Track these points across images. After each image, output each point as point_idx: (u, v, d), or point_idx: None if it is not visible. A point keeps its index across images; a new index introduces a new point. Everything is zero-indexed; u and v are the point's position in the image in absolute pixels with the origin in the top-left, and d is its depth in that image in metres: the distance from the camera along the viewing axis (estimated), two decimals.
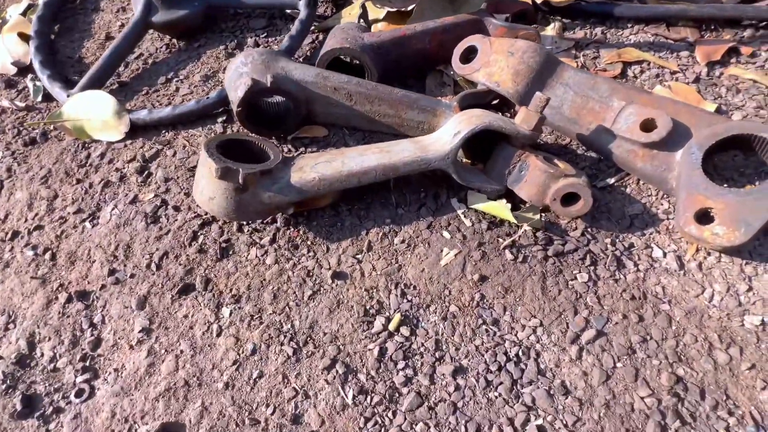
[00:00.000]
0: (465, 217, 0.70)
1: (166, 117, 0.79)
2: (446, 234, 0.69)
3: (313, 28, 0.93)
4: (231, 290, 0.66)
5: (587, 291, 0.64)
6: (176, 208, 0.74)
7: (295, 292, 0.66)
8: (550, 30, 0.89)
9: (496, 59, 0.70)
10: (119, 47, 0.86)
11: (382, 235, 0.70)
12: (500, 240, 0.68)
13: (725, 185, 0.67)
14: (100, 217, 0.74)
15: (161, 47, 0.96)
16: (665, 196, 0.70)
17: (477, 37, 0.74)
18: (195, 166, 0.78)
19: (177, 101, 0.87)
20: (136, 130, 0.82)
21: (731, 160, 0.71)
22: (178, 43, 0.96)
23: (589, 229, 0.68)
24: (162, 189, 0.76)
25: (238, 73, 0.69)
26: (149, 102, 0.87)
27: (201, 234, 0.71)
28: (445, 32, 0.79)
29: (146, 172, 0.78)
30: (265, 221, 0.71)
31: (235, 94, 0.69)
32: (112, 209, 0.74)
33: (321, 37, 0.94)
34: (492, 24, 0.81)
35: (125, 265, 0.69)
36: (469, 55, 0.77)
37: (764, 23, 0.85)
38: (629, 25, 0.89)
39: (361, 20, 0.83)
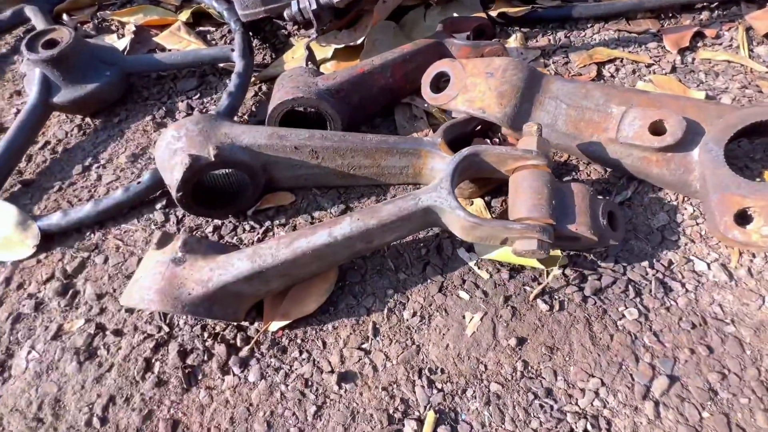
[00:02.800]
0: (479, 268, 0.59)
1: (88, 216, 0.63)
2: (464, 294, 0.57)
3: (253, 79, 0.81)
4: (209, 431, 0.50)
5: (641, 329, 0.54)
6: (118, 333, 0.57)
7: (294, 413, 0.51)
8: (513, 42, 0.83)
9: (475, 83, 0.61)
10: (14, 139, 0.70)
11: (387, 311, 0.57)
12: (527, 288, 0.57)
13: (758, 179, 0.61)
14: (12, 367, 0.55)
15: (72, 130, 0.79)
16: (686, 199, 0.63)
17: (446, 62, 0.65)
18: (134, 272, 0.62)
19: (100, 193, 0.70)
20: (50, 240, 0.65)
21: (737, 147, 0.66)
22: (92, 122, 0.80)
23: (619, 254, 0.59)
24: (95, 310, 0.59)
25: (171, 150, 0.55)
26: (64, 200, 0.70)
27: (156, 360, 0.55)
28: (406, 62, 0.70)
29: (71, 292, 0.61)
30: (238, 324, 0.56)
31: (171, 176, 0.54)
32: (29, 353, 0.56)
33: (264, 88, 0.82)
34: (454, 45, 0.73)
35: (56, 429, 0.51)
36: (439, 82, 0.68)
37: (716, 4, 0.84)
38: (589, 25, 0.85)
39: (309, 63, 0.72)
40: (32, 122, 0.71)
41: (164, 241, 0.47)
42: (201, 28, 0.93)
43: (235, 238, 0.64)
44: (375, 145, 0.59)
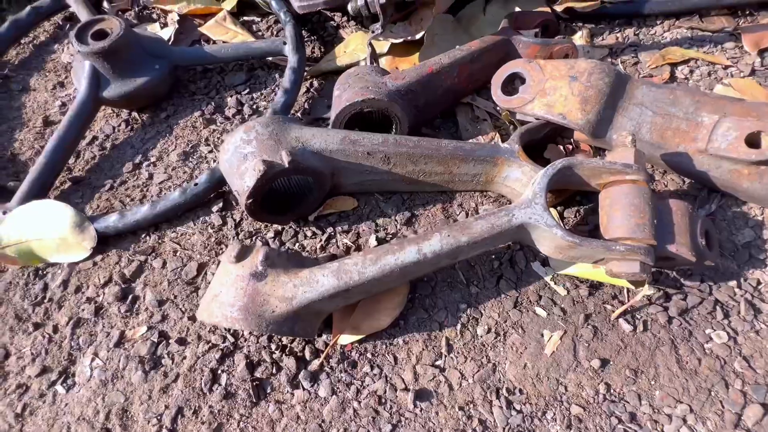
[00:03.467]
0: (556, 284, 0.56)
1: (145, 218, 0.61)
2: (540, 311, 0.55)
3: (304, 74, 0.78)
4: None
5: (731, 354, 0.51)
6: (182, 341, 0.55)
7: None
8: (579, 39, 0.78)
9: (555, 86, 0.58)
10: (65, 135, 0.67)
11: (460, 327, 0.55)
12: (608, 307, 0.55)
13: None
14: (76, 375, 0.54)
15: (119, 125, 0.77)
16: None
17: (520, 62, 0.61)
18: (194, 277, 0.60)
19: (153, 192, 0.68)
20: (105, 242, 0.63)
21: None
22: (140, 116, 0.78)
23: (705, 272, 0.56)
24: (156, 317, 0.57)
25: (241, 154, 0.52)
26: (116, 199, 0.68)
27: (222, 371, 0.53)
28: (473, 61, 0.67)
29: (130, 297, 0.59)
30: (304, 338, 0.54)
31: (242, 183, 0.52)
32: (92, 360, 0.55)
33: (316, 83, 0.79)
34: (522, 42, 0.69)
35: None
36: (508, 84, 0.64)
37: None
38: (659, 22, 0.80)
39: (372, 60, 0.68)
40: (83, 117, 0.69)
41: (243, 254, 0.45)
42: (245, 18, 0.89)
43: (297, 244, 0.61)
44: (450, 152, 0.55)
